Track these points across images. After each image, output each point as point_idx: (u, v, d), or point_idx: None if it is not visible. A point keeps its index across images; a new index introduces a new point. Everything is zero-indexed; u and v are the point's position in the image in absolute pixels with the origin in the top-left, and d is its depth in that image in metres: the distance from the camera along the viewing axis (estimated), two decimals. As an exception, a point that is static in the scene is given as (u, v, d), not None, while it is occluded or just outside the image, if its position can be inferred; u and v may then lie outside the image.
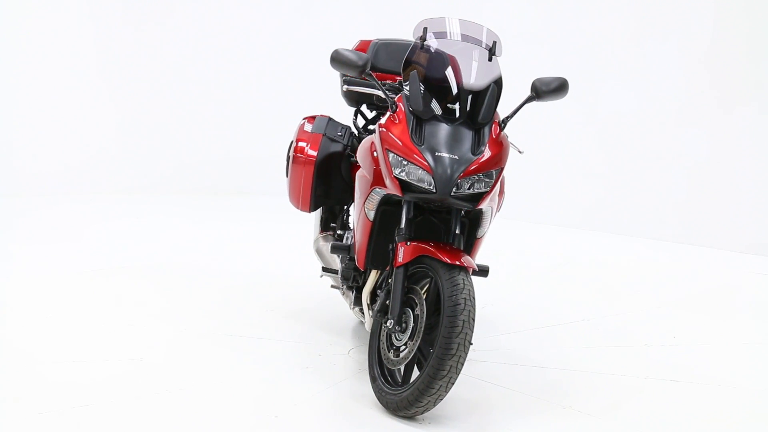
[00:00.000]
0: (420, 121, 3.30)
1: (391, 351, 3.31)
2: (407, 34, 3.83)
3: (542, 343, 4.35)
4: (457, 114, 3.31)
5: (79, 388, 3.30)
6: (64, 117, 7.76)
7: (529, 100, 3.46)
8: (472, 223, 3.47)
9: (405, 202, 3.32)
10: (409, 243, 3.27)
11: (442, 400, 3.15)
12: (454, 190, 3.19)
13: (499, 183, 3.35)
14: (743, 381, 3.98)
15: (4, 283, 4.85)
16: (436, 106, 3.32)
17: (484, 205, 3.32)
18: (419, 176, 3.22)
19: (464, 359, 3.06)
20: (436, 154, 3.21)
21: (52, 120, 7.71)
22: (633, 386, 3.79)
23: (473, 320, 3.07)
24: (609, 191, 7.79)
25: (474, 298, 3.11)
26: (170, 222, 6.93)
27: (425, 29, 3.50)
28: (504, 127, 3.40)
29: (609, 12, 7.64)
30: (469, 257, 3.24)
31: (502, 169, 3.32)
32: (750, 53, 7.07)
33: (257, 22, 8.42)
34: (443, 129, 3.27)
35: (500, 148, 3.31)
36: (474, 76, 3.37)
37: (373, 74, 3.49)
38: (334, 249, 3.77)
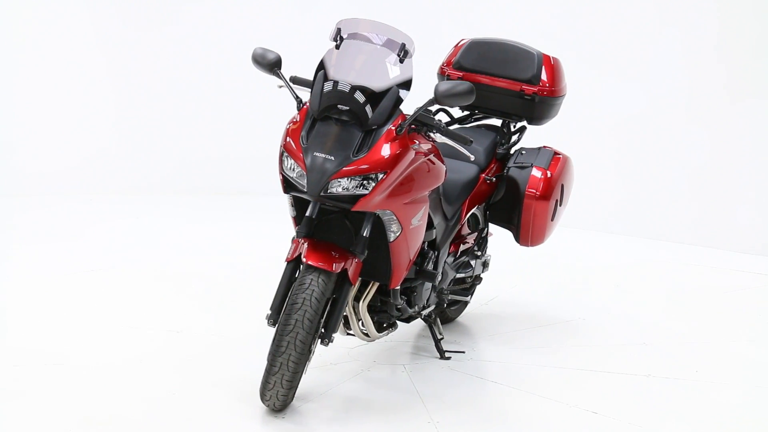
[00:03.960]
0: (315, 120, 3.37)
1: None
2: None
3: (549, 361, 4.18)
4: (348, 116, 3.33)
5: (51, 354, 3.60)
6: (64, 117, 7.73)
7: (429, 103, 3.39)
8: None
9: (311, 201, 3.38)
10: (302, 241, 3.35)
11: (287, 397, 3.27)
12: (326, 190, 3.24)
13: (403, 188, 3.33)
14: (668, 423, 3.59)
15: (4, 283, 4.85)
16: (357, 103, 3.32)
17: (370, 208, 3.31)
18: (297, 174, 3.31)
19: (296, 357, 3.17)
20: (314, 153, 3.27)
21: (52, 120, 7.69)
22: (547, 412, 3.63)
23: (309, 321, 3.16)
24: (610, 191, 7.77)
25: (317, 300, 3.19)
26: (170, 222, 6.91)
27: (339, 30, 3.54)
28: (401, 131, 3.35)
29: (610, 11, 7.63)
30: (339, 263, 3.27)
31: (388, 173, 3.28)
32: (756, 52, 7.04)
33: (258, 22, 8.40)
34: (330, 129, 3.32)
35: (388, 152, 3.29)
36: (373, 77, 3.38)
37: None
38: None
